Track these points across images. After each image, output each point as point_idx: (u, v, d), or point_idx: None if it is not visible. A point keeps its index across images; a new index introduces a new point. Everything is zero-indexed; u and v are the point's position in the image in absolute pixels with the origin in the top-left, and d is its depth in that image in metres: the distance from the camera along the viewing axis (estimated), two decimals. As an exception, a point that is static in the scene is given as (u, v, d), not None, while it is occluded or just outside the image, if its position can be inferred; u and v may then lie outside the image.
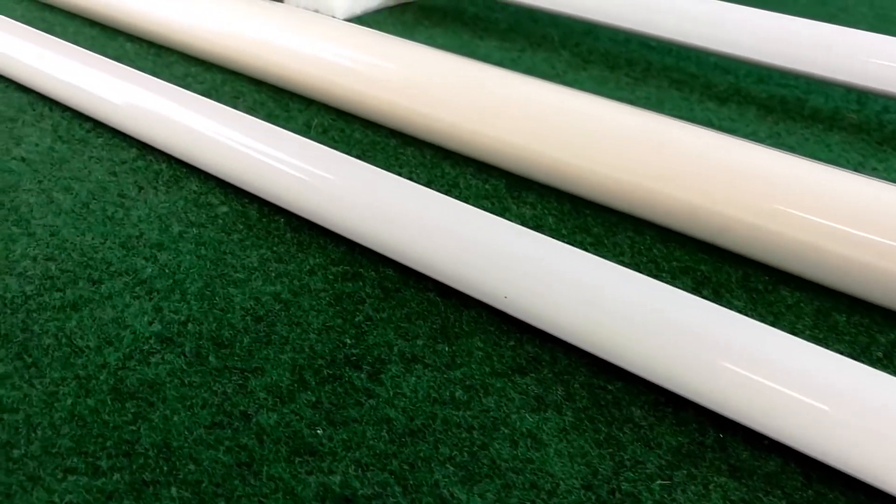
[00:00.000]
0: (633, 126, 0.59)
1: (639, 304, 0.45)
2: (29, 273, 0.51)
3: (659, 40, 0.86)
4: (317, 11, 0.95)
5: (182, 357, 0.45)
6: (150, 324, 0.48)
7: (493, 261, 0.48)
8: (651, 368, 0.44)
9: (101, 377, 0.44)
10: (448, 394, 0.44)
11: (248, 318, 0.48)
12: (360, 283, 0.52)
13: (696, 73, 0.85)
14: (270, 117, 0.71)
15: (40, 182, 0.61)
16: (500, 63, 0.85)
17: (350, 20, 0.95)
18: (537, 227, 0.58)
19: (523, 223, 0.58)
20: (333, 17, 0.94)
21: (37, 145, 0.66)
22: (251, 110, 0.73)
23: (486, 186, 0.63)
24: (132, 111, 0.65)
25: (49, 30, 0.86)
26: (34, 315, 0.48)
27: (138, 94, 0.66)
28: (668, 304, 0.45)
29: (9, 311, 0.48)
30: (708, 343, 0.43)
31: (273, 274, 0.52)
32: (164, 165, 0.63)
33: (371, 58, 0.71)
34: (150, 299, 0.49)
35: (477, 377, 0.45)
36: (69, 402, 0.42)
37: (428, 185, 0.61)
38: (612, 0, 0.88)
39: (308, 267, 0.53)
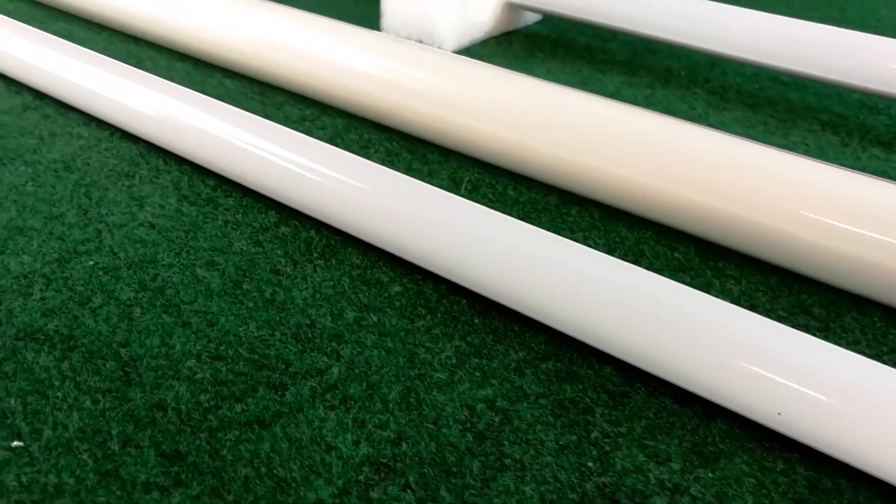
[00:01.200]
0: (852, 189, 0.52)
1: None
2: (198, 376, 0.44)
3: (791, 74, 0.79)
4: (420, 42, 0.88)
5: (408, 491, 0.38)
6: (357, 444, 0.40)
7: (756, 367, 0.41)
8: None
9: (321, 521, 0.36)
10: (735, 539, 0.37)
11: (469, 434, 0.41)
12: (580, 386, 0.45)
13: (843, 113, 0.78)
14: (411, 171, 0.64)
15: (178, 254, 0.53)
16: (633, 101, 0.78)
17: (458, 52, 0.88)
18: (751, 308, 0.51)
19: (733, 302, 0.51)
20: (440, 48, 0.87)
21: (162, 207, 0.58)
22: (387, 162, 0.65)
23: (676, 255, 0.56)
24: (265, 168, 0.58)
25: (139, 65, 0.79)
26: (219, 435, 0.40)
27: (270, 149, 0.58)
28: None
29: (189, 430, 0.40)
30: None
31: (477, 374, 0.45)
32: (312, 232, 0.56)
33: (514, 101, 0.64)
34: (348, 410, 0.42)
35: (759, 514, 0.38)
36: (293, 558, 0.35)
37: (610, 253, 0.54)
38: (732, 32, 0.82)
39: (513, 363, 0.46)
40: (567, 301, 0.46)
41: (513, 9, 0.93)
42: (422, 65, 0.69)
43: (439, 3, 0.84)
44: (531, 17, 0.97)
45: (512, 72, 0.68)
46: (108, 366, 0.44)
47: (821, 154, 0.71)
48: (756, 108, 0.78)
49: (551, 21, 0.98)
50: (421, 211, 0.52)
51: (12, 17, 0.82)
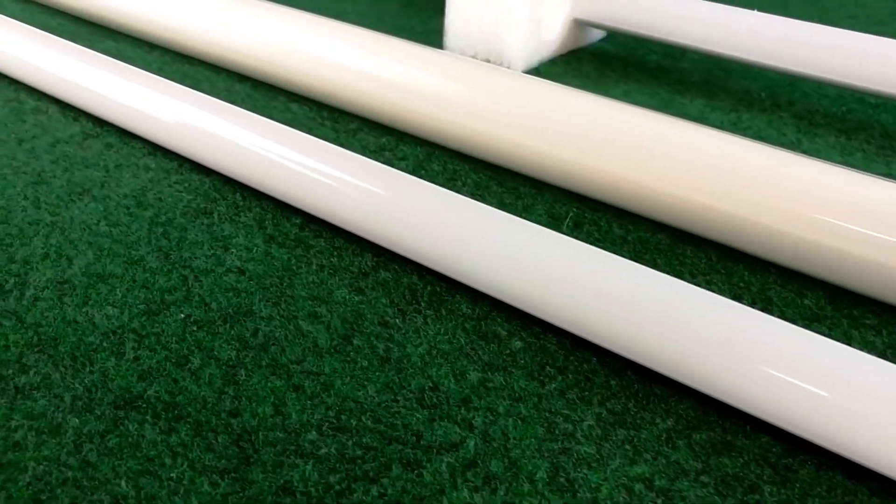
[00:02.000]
0: None
1: None
2: (322, 452, 0.39)
3: (877, 95, 0.76)
4: (487, 61, 0.84)
5: None
6: (512, 534, 0.36)
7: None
8: None
9: None
10: None
11: (632, 521, 0.37)
12: (741, 459, 0.40)
13: (942, 138, 0.75)
14: (503, 206, 0.60)
15: (276, 305, 0.49)
16: (719, 126, 0.74)
17: (528, 72, 0.84)
18: (900, 364, 0.47)
19: (880, 356, 0.47)
20: (509, 67, 0.83)
21: (249, 250, 0.54)
22: (477, 196, 0.61)
23: (806, 301, 0.52)
24: (361, 208, 0.53)
25: (195, 87, 0.74)
26: (358, 524, 0.36)
27: (366, 187, 0.54)
28: None
29: (324, 519, 0.36)
30: None
31: (627, 446, 0.41)
32: (414, 277, 0.52)
33: (611, 130, 0.60)
34: (494, 492, 0.38)
35: None
36: None
37: (737, 300, 0.50)
38: (808, 50, 0.78)
39: (663, 434, 0.42)
40: (718, 362, 0.42)
41: (580, 26, 0.89)
42: (505, 89, 0.65)
43: (511, 21, 0.80)
44: (596, 35, 0.93)
45: (605, 98, 0.63)
46: (220, 440, 0.40)
47: (929, 185, 0.67)
48: (849, 134, 0.74)
49: (616, 38, 0.94)
50: (539, 257, 0.48)
51: (57, 35, 0.78)
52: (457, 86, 0.66)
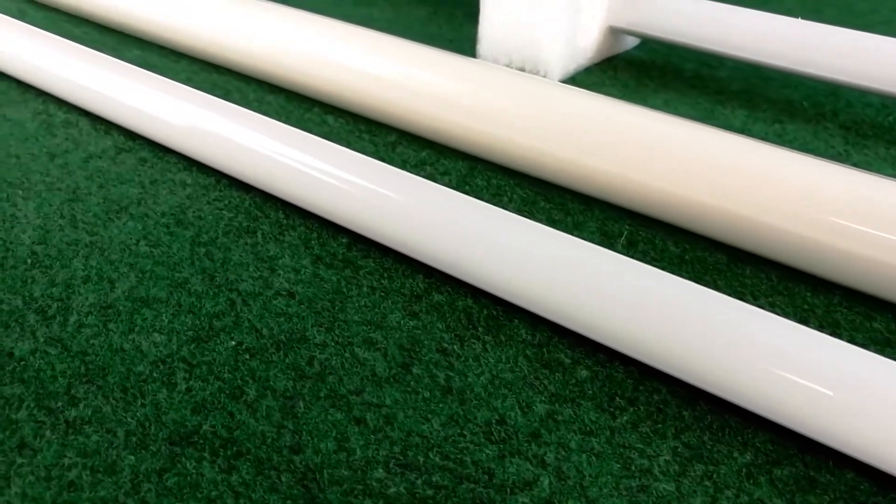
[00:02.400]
0: None
1: None
2: (391, 492, 0.38)
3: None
4: (522, 69, 0.82)
5: None
6: (597, 582, 0.34)
7: None
8: None
9: None
10: None
11: (722, 567, 0.35)
12: (827, 497, 0.39)
13: None
14: (552, 223, 0.58)
15: (329, 330, 0.47)
16: (765, 138, 0.72)
17: (564, 81, 0.82)
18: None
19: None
20: (545, 76, 0.81)
21: (297, 272, 0.52)
22: (524, 212, 0.59)
23: (876, 325, 0.50)
24: (416, 228, 0.52)
25: (226, 97, 0.73)
26: (436, 571, 0.34)
27: (411, 206, 0.52)
28: None
29: (400, 566, 0.34)
30: None
31: (707, 483, 0.39)
32: (469, 301, 0.50)
33: (660, 143, 0.58)
34: (574, 535, 0.36)
35: None
36: None
37: (803, 324, 0.48)
38: (853, 59, 0.76)
39: (742, 469, 0.40)
40: (799, 394, 0.40)
41: (614, 33, 0.87)
42: (548, 100, 0.63)
43: (548, 28, 0.78)
44: (629, 42, 0.91)
45: (653, 110, 0.62)
46: (284, 479, 0.38)
47: None
48: (900, 146, 0.73)
49: (649, 46, 0.92)
50: (602, 279, 0.46)
51: (83, 45, 0.76)
52: (499, 97, 0.64)
